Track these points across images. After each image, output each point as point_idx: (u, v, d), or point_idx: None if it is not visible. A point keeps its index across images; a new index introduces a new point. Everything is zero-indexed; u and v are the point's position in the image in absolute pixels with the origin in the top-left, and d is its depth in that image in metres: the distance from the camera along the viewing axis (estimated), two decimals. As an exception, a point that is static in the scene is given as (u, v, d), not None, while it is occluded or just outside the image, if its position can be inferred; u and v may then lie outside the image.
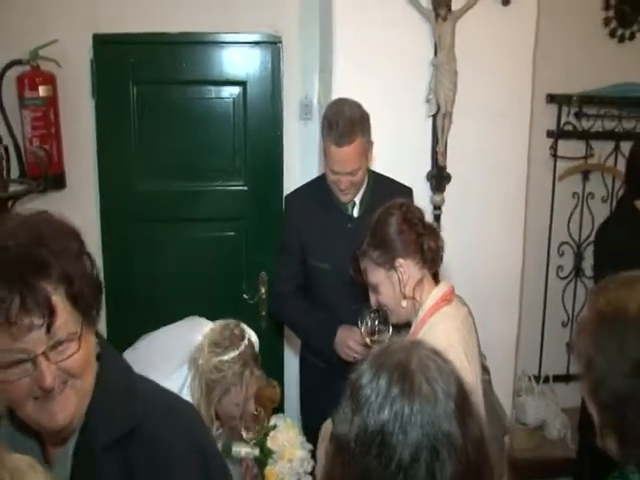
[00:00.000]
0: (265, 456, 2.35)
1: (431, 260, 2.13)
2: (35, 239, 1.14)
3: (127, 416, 1.25)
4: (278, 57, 3.38)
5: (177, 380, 2.18)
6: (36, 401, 1.15)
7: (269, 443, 2.35)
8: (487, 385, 2.33)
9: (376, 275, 2.14)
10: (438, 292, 2.12)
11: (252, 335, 2.31)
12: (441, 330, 2.01)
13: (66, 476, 1.22)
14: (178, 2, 3.31)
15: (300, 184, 2.99)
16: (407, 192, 2.79)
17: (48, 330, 1.12)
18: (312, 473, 2.36)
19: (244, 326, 2.30)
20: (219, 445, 2.34)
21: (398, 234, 2.10)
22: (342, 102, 2.65)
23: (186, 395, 2.13)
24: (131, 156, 3.38)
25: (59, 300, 1.14)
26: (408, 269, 2.09)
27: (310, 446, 2.38)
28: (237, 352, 2.19)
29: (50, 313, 1.11)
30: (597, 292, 1.36)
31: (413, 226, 2.11)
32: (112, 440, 1.22)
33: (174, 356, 2.24)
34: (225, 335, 2.22)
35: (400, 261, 2.09)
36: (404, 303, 2.12)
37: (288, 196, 2.97)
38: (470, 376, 1.88)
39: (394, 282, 2.11)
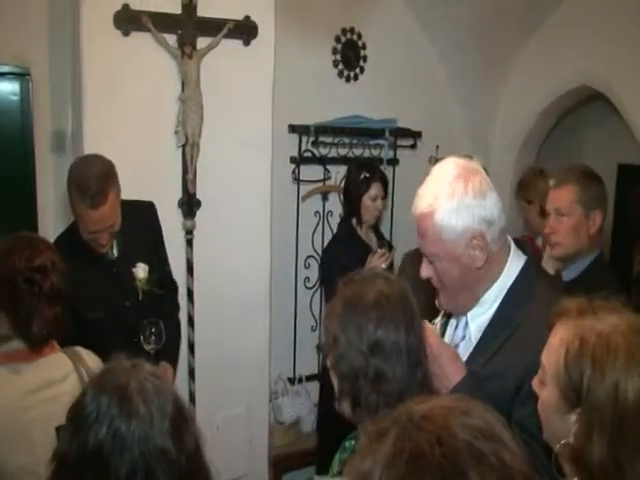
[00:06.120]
0: None
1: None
2: None
3: None
4: (27, 89, 3.27)
5: None
6: None
7: None
8: None
9: None
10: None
11: None
12: None
13: None
14: None
15: (53, 217, 2.97)
16: (149, 206, 2.93)
17: None
18: None
19: None
20: None
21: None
22: (85, 162, 2.59)
23: None
24: None
25: None
26: None
27: None
28: None
29: None
30: (345, 283, 1.56)
31: (27, 289, 1.87)
32: None
33: None
34: None
35: None
36: None
37: None
38: None
39: None
